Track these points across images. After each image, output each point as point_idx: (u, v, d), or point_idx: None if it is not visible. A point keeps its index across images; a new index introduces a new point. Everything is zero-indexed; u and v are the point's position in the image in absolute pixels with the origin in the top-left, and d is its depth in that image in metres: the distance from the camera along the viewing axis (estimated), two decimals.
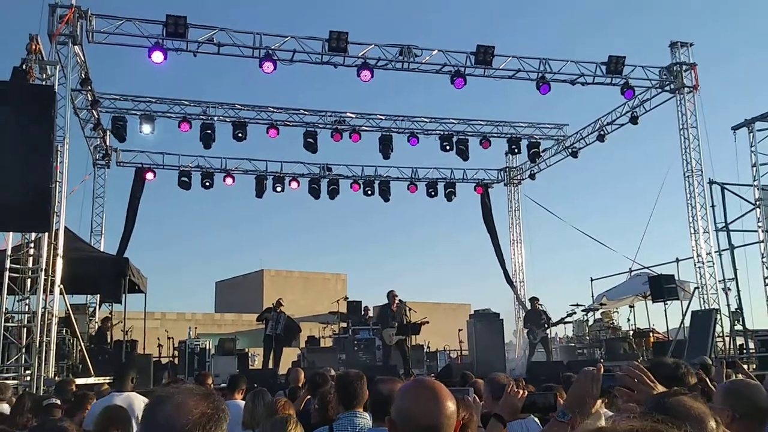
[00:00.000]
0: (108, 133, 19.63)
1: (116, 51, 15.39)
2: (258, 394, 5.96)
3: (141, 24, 14.67)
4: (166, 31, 14.56)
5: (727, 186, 17.04)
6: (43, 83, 12.14)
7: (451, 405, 2.20)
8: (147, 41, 14.68)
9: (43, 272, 11.48)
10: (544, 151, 22.60)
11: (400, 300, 16.04)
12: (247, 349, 19.13)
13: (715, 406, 2.83)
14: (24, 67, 11.74)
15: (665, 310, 19.35)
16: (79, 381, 10.58)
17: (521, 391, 2.84)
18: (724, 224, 16.88)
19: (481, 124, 21.61)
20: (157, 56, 14.62)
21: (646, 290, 19.60)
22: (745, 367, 11.82)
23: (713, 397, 3.21)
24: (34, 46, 12.10)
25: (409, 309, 16.30)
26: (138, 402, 6.29)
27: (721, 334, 16.27)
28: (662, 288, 18.19)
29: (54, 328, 11.83)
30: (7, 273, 11.20)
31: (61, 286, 12.17)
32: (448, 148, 20.54)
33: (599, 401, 2.48)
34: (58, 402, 6.69)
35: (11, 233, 11.62)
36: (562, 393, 4.13)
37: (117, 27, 14.60)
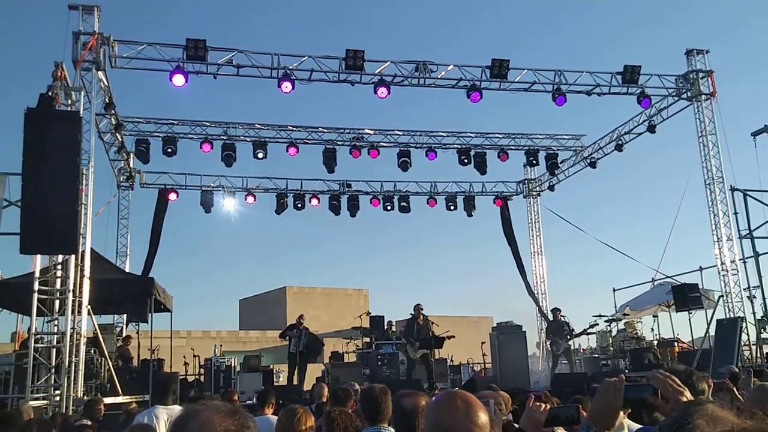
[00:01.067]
0: (132, 155, 19.99)
1: (138, 75, 15.66)
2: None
3: (162, 48, 14.97)
4: (187, 55, 14.82)
5: (749, 193, 16.92)
6: (69, 109, 12.41)
7: (484, 415, 2.22)
8: (168, 65, 14.97)
9: (70, 293, 11.70)
10: (562, 162, 22.59)
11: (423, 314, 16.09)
12: (272, 366, 19.24)
13: (746, 407, 2.86)
14: (50, 93, 12.00)
15: (690, 320, 19.21)
16: (108, 400, 10.73)
17: (544, 405, 2.80)
18: (747, 231, 16.75)
19: (498, 137, 21.66)
20: (178, 79, 14.90)
21: (669, 300, 19.43)
22: None
23: (746, 400, 3.22)
24: (59, 73, 12.40)
25: (432, 323, 16.34)
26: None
27: (747, 343, 16.08)
28: (686, 297, 18.03)
29: (82, 349, 12.01)
30: (35, 295, 11.41)
31: (89, 306, 12.37)
32: (466, 161, 20.62)
33: (621, 412, 2.47)
34: (89, 423, 6.80)
35: (39, 256, 11.84)
36: (587, 405, 4.11)
37: (139, 52, 14.89)
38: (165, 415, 6.31)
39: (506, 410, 5.76)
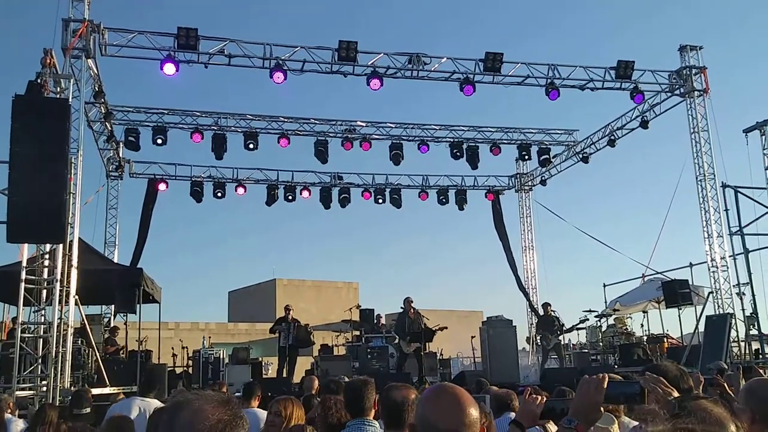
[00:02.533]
0: (121, 144, 19.84)
1: (129, 64, 15.52)
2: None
3: (153, 37, 14.82)
4: (178, 43, 14.68)
5: (740, 189, 16.96)
6: (58, 96, 12.27)
7: (474, 412, 2.17)
8: (159, 53, 14.82)
9: (58, 283, 11.58)
10: (554, 157, 22.55)
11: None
12: (260, 358, 19.15)
13: (738, 407, 2.85)
14: (39, 80, 11.86)
15: (679, 316, 19.23)
16: (95, 391, 10.64)
17: (539, 397, 2.81)
18: (738, 228, 16.80)
19: (491, 131, 21.60)
20: (169, 68, 14.75)
21: (659, 296, 19.47)
22: (762, 372, 11.76)
23: (739, 397, 3.24)
24: (48, 60, 12.24)
25: (422, 316, 16.30)
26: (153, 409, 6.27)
27: (736, 339, 16.15)
28: (676, 293, 18.06)
29: (69, 339, 11.92)
30: (22, 284, 11.29)
31: (76, 296, 12.26)
32: (458, 155, 20.55)
33: (602, 408, 2.48)
34: (89, 410, 6.69)
35: (26, 245, 11.71)
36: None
37: (129, 40, 14.73)
38: (138, 407, 6.24)
39: None
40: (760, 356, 16.19)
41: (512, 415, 5.15)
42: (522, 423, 2.78)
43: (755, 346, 16.63)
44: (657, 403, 2.75)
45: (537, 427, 2.89)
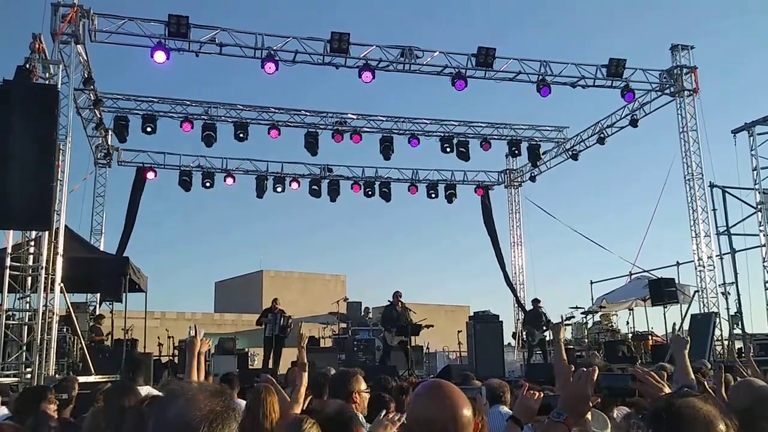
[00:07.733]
0: (110, 132, 19.69)
1: (119, 50, 15.40)
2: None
3: (143, 23, 14.67)
4: (169, 31, 14.55)
5: (728, 189, 17.06)
6: (47, 82, 12.17)
7: (467, 411, 2.17)
8: (149, 41, 14.68)
9: (43, 270, 11.49)
10: (544, 153, 22.59)
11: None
12: (246, 349, 19.12)
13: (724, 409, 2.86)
14: (27, 66, 11.77)
15: (664, 314, 19.37)
16: (80, 379, 10.59)
17: (537, 393, 2.82)
18: (725, 228, 16.91)
19: (481, 126, 21.61)
20: (160, 56, 14.62)
21: (645, 294, 19.58)
22: (744, 370, 11.83)
23: (728, 396, 3.26)
24: (37, 45, 12.13)
25: (410, 310, 16.32)
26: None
27: (720, 338, 16.27)
28: (662, 291, 18.16)
29: (55, 327, 11.84)
30: (7, 271, 11.20)
31: (62, 284, 12.18)
32: (448, 149, 20.52)
33: (592, 401, 2.48)
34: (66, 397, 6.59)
35: (12, 231, 11.62)
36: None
37: (119, 26, 14.60)
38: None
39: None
40: (743, 355, 16.33)
41: (502, 408, 5.17)
42: (520, 419, 2.79)
43: (738, 345, 16.77)
44: (646, 397, 2.74)
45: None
